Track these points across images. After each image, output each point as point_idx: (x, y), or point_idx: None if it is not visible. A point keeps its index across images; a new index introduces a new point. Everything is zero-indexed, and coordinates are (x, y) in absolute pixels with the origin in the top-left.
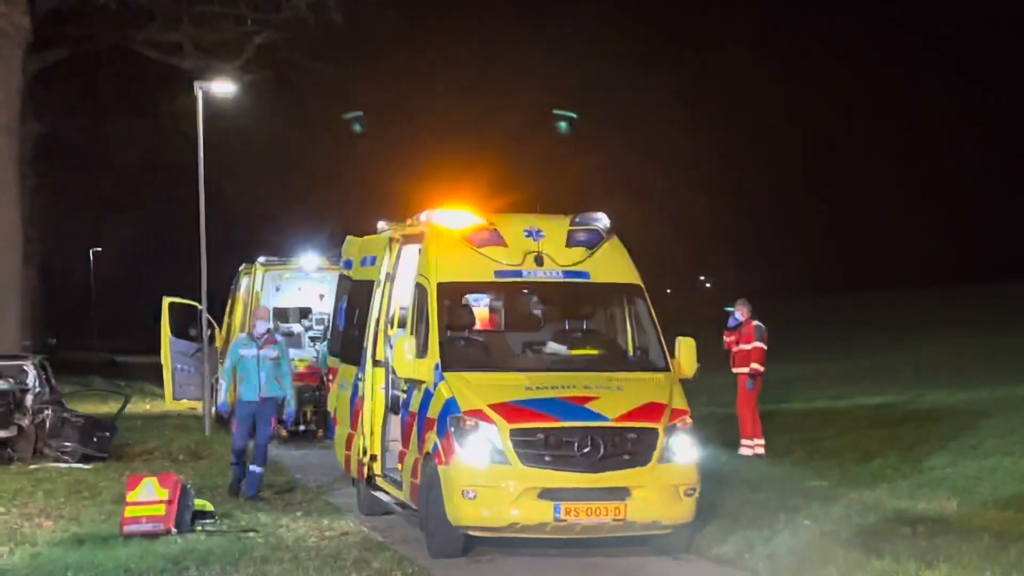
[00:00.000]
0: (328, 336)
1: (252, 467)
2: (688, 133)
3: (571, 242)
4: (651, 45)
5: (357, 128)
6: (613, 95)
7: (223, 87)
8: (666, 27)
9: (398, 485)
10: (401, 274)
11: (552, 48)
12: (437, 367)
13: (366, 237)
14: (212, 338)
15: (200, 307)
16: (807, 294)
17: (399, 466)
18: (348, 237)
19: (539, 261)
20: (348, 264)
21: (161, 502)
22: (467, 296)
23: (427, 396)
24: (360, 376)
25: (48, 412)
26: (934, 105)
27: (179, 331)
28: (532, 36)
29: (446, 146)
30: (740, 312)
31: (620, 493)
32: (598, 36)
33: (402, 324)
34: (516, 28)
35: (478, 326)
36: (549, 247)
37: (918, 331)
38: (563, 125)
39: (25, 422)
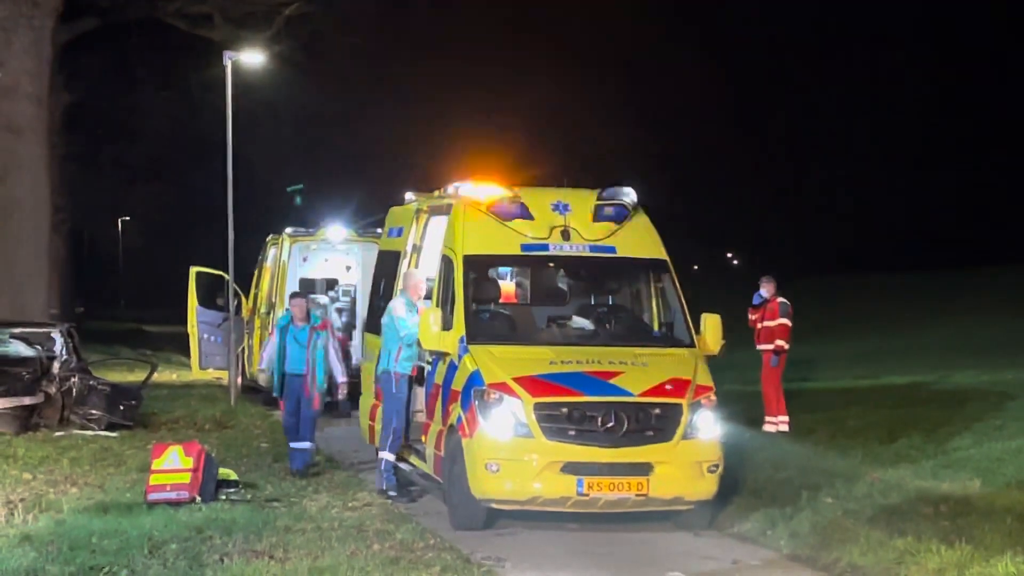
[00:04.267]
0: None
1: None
2: (714, 106)
3: (598, 216)
4: (678, 15)
5: (298, 201)
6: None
7: (252, 58)
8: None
9: (422, 456)
10: (428, 246)
11: (582, 20)
12: (462, 339)
13: (393, 208)
14: (239, 308)
15: (227, 277)
16: (832, 273)
17: (423, 438)
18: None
19: (566, 235)
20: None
21: (186, 471)
22: (493, 269)
23: (452, 368)
24: None
25: (75, 380)
26: (966, 82)
27: (206, 301)
28: (561, 10)
29: (475, 118)
30: (765, 289)
31: (643, 468)
32: (629, 8)
33: (428, 296)
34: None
35: (502, 300)
36: (576, 221)
37: (944, 312)
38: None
39: (52, 389)
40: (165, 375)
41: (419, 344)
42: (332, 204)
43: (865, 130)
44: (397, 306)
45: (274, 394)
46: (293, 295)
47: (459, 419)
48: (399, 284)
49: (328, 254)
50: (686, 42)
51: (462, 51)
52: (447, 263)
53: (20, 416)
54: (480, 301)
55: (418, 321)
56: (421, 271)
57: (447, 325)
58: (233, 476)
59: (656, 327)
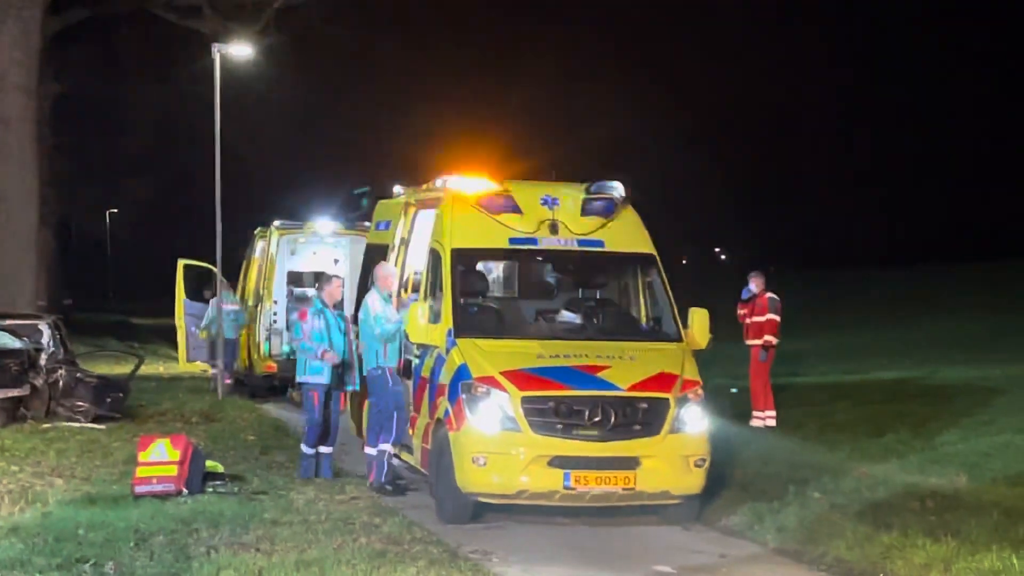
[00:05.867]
0: None
1: (381, 448)
2: (703, 103)
3: (586, 211)
4: (664, 15)
5: (364, 203)
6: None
7: (241, 50)
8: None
9: (409, 450)
10: (416, 239)
11: (569, 18)
12: (450, 333)
13: (382, 201)
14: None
15: (215, 270)
16: (822, 269)
17: (410, 431)
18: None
19: (554, 229)
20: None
21: (172, 463)
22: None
23: (439, 362)
24: None
25: (62, 372)
26: (948, 80)
27: (194, 293)
28: (550, 6)
29: (463, 112)
30: (754, 284)
31: (630, 462)
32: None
33: (416, 289)
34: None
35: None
36: (564, 215)
37: (933, 308)
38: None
39: (39, 381)
40: (152, 367)
41: (406, 336)
42: (320, 196)
43: (857, 128)
44: (373, 302)
45: (303, 377)
46: (329, 278)
47: (446, 412)
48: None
49: (316, 247)
50: (674, 37)
51: (451, 44)
52: (435, 256)
53: (7, 408)
54: (468, 294)
55: (389, 316)
56: (392, 265)
57: (435, 318)
58: (220, 469)
59: (644, 321)
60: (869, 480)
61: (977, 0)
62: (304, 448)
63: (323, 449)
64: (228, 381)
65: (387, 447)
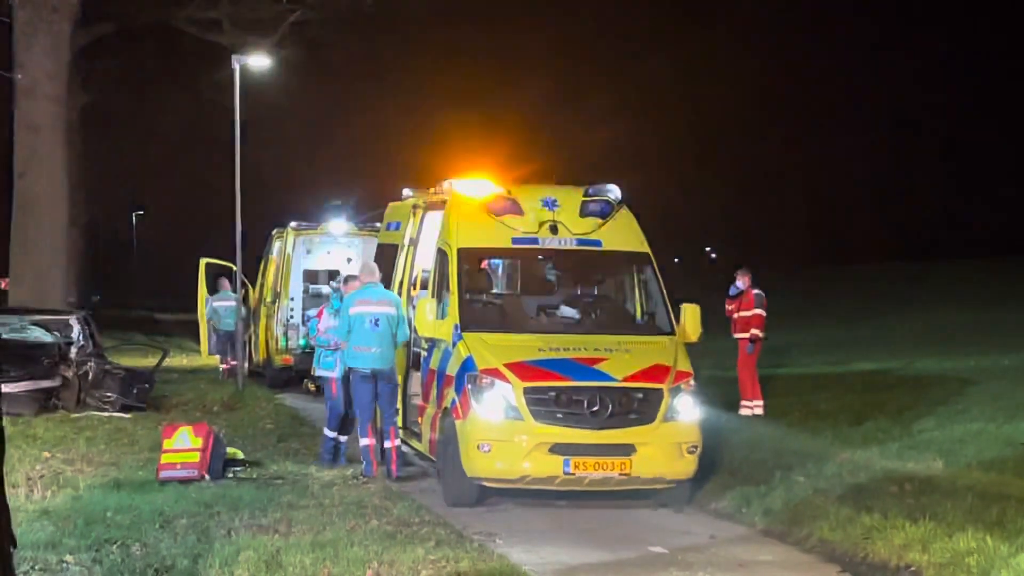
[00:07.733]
0: None
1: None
2: (694, 105)
3: (584, 212)
4: (657, 21)
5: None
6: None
7: (259, 62)
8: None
9: (418, 438)
10: (424, 239)
11: (570, 27)
12: (456, 327)
13: (392, 203)
14: (246, 297)
15: (235, 268)
16: (804, 266)
17: (419, 420)
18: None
19: (554, 229)
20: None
21: (195, 450)
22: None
23: (446, 354)
24: None
25: (91, 364)
26: (936, 75)
27: (215, 290)
28: (552, 16)
29: (469, 118)
30: (741, 281)
31: (626, 449)
32: (611, 16)
33: (424, 286)
34: (538, 7)
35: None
36: (564, 216)
37: (910, 302)
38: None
39: (69, 373)
40: (176, 360)
41: (415, 331)
42: (334, 198)
43: (837, 128)
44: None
45: (318, 371)
46: (346, 278)
47: (453, 402)
48: (397, 276)
49: (330, 247)
50: (666, 43)
51: (459, 53)
52: (442, 255)
53: (39, 398)
54: (473, 291)
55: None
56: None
57: (442, 314)
58: (240, 455)
59: (639, 316)
60: (850, 465)
61: None
62: (326, 431)
63: (340, 437)
64: (225, 367)
65: (396, 442)
